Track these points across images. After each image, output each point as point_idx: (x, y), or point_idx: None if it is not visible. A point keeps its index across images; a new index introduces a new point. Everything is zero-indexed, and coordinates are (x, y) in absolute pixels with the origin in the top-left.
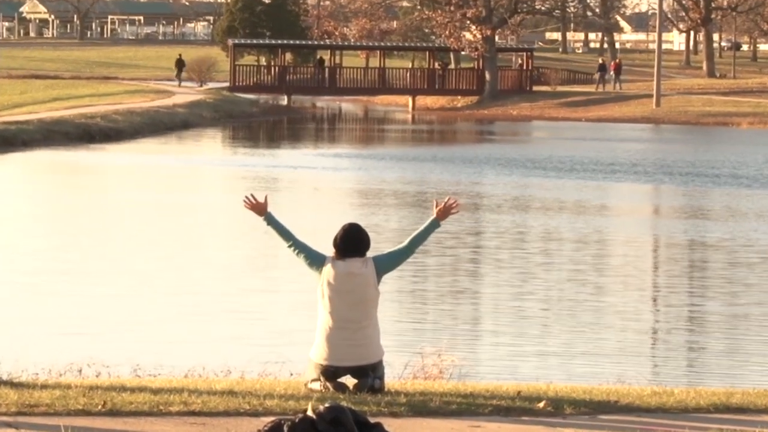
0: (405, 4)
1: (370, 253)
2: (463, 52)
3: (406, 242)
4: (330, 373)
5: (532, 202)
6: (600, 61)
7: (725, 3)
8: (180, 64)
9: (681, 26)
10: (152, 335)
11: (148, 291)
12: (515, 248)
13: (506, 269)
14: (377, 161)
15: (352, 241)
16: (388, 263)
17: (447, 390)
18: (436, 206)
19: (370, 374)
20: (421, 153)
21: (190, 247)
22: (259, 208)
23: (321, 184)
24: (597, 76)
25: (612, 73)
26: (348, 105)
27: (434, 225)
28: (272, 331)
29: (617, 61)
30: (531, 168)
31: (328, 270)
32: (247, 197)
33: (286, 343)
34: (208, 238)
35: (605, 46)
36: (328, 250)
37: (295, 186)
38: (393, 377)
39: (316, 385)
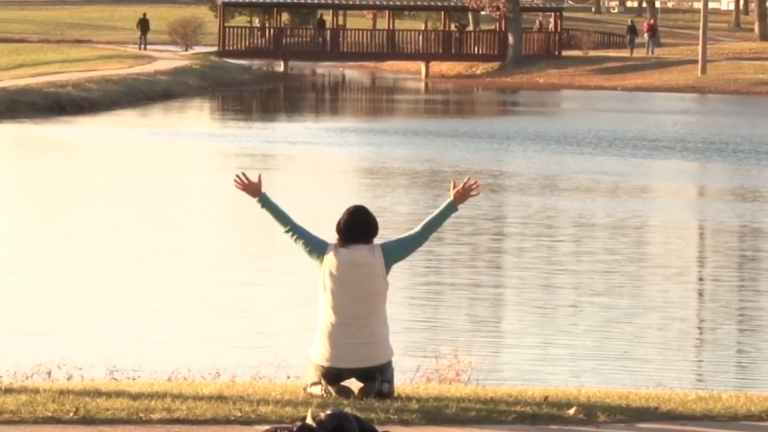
0: None
1: (377, 240)
2: (483, 12)
3: (418, 228)
4: (332, 375)
5: (563, 183)
6: (629, 23)
7: None
8: (144, 24)
9: None
10: (131, 333)
11: (126, 284)
12: (543, 235)
13: (532, 259)
14: (386, 136)
15: (357, 227)
16: (398, 251)
17: (465, 395)
18: (454, 187)
19: (377, 377)
20: (436, 126)
21: (173, 234)
22: (252, 189)
23: (322, 162)
24: (627, 39)
25: (646, 35)
26: (352, 72)
27: (451, 209)
28: (267, 329)
29: (651, 22)
30: (561, 143)
31: (330, 259)
32: (238, 176)
33: (283, 342)
34: (193, 224)
35: (644, 5)
36: (331, 237)
37: (294, 164)
38: (403, 380)
39: (317, 390)
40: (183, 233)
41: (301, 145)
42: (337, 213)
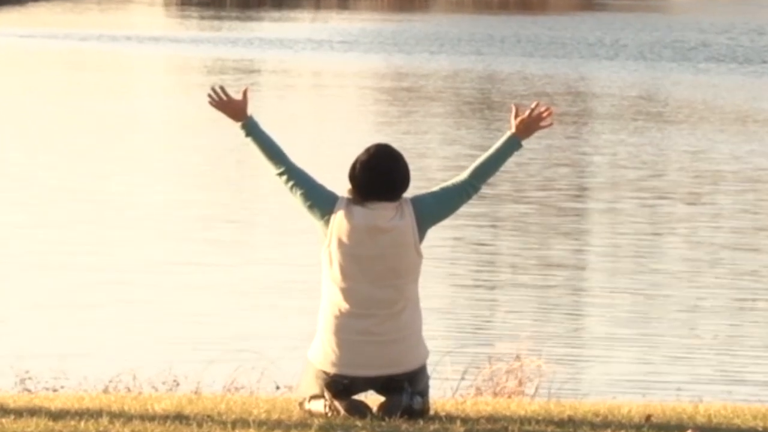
0: None
1: (408, 194)
2: None
3: (465, 174)
4: (341, 386)
5: (670, 112)
6: None
7: None
8: None
9: None
10: (50, 329)
11: (44, 259)
12: (642, 189)
13: (626, 224)
14: (419, 41)
15: (380, 174)
16: (436, 208)
17: (531, 413)
18: (516, 116)
19: (405, 388)
20: (489, 28)
21: (115, 188)
22: (235, 108)
23: (328, 78)
24: None
25: None
26: None
27: (513, 145)
28: (245, 323)
29: None
30: (669, 54)
31: (339, 221)
32: (215, 91)
33: (269, 340)
34: (144, 172)
35: None
36: (342, 189)
37: (288, 81)
38: (443, 393)
39: (318, 405)
40: (128, 185)
41: (297, 53)
42: (351, 155)
